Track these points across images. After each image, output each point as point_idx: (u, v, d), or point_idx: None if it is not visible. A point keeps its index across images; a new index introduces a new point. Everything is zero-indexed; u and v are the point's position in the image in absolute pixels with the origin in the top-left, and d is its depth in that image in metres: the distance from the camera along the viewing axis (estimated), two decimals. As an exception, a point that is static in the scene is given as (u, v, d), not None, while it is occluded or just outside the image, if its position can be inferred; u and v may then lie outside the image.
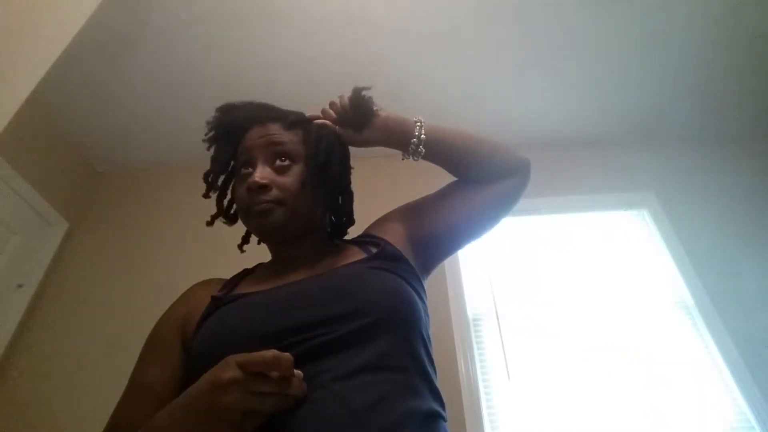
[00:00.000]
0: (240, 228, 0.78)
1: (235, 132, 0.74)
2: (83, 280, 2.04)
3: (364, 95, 0.76)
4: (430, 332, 0.66)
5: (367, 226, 0.82)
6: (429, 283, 0.76)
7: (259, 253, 0.81)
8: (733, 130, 2.35)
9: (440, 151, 0.78)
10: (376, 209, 0.86)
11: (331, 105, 0.79)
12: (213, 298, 0.66)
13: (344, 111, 0.77)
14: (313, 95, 0.93)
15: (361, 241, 0.76)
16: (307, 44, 1.87)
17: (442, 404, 0.58)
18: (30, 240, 1.97)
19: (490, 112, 2.20)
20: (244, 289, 0.68)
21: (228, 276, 0.75)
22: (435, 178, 0.86)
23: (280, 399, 0.47)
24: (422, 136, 0.76)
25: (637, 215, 2.20)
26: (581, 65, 2.03)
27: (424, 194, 0.83)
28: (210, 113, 0.77)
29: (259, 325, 0.57)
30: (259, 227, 0.70)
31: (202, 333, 0.61)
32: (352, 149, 0.80)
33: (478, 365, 1.76)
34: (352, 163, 0.82)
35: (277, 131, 0.72)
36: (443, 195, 0.81)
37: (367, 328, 0.55)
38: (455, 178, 0.83)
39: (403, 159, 0.80)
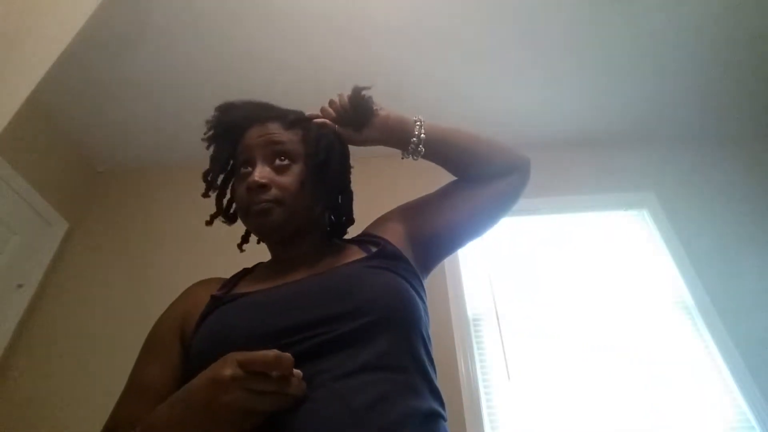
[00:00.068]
0: (239, 227, 0.78)
1: (235, 131, 0.74)
2: (83, 280, 2.04)
3: (364, 94, 0.76)
4: (430, 332, 0.66)
5: (366, 225, 0.82)
6: (429, 282, 0.76)
7: (258, 253, 0.81)
8: (733, 130, 2.35)
9: (440, 150, 0.78)
10: (376, 209, 0.86)
11: (331, 104, 0.79)
12: (212, 297, 0.66)
13: (344, 110, 0.77)
14: (313, 95, 0.92)
15: (361, 240, 0.76)
16: (307, 44, 1.87)
17: (442, 404, 0.58)
18: (30, 240, 1.97)
19: (490, 111, 2.20)
20: (243, 288, 0.68)
21: (228, 275, 0.75)
22: (435, 178, 0.86)
23: (280, 398, 0.47)
24: (422, 135, 0.76)
25: (637, 215, 2.20)
26: (581, 65, 2.03)
27: (423, 194, 0.83)
28: (210, 113, 0.76)
29: (259, 324, 0.57)
30: (259, 227, 0.69)
31: (202, 332, 0.61)
32: (352, 149, 0.80)
33: (478, 365, 1.76)
34: (352, 162, 0.81)
35: (276, 130, 0.72)
36: (443, 194, 0.81)
37: (367, 327, 0.55)
38: (455, 178, 0.83)
39: (402, 158, 0.80)
